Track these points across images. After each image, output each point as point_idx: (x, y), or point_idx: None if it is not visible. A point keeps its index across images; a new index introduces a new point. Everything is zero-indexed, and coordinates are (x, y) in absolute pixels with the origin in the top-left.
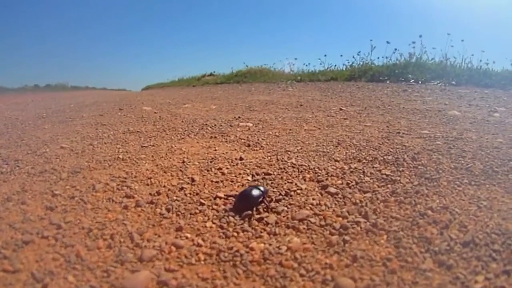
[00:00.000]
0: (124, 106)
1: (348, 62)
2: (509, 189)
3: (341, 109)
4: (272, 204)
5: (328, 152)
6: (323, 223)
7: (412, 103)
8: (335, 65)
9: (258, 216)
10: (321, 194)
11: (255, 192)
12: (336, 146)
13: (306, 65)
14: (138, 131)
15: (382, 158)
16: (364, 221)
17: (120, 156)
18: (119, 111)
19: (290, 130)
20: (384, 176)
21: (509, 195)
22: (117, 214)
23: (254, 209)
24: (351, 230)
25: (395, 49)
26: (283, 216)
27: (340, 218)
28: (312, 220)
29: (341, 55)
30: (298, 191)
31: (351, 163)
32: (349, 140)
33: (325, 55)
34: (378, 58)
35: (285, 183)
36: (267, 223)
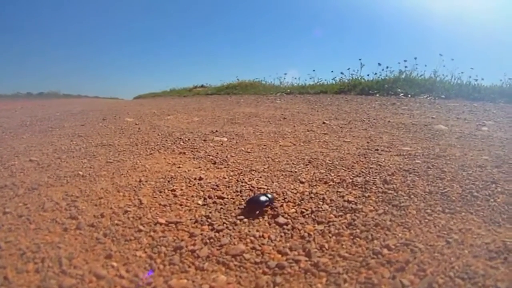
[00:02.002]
0: (108, 116)
1: (338, 78)
2: (488, 218)
3: (324, 123)
4: (212, 234)
5: (295, 172)
6: (258, 260)
7: (399, 117)
8: (325, 80)
9: (192, 247)
10: (269, 224)
11: (263, 198)
12: (306, 165)
13: (296, 79)
14: (110, 144)
15: (350, 180)
16: (306, 259)
17: (81, 173)
18: (102, 121)
19: (264, 146)
20: (346, 203)
21: (487, 225)
22: (55, 237)
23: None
24: (287, 270)
25: (386, 67)
26: (217, 250)
27: (280, 255)
28: (247, 256)
29: (332, 71)
30: (245, 220)
31: (315, 185)
32: (322, 158)
33: (314, 70)
34: (368, 75)
35: (235, 209)
36: (198, 256)
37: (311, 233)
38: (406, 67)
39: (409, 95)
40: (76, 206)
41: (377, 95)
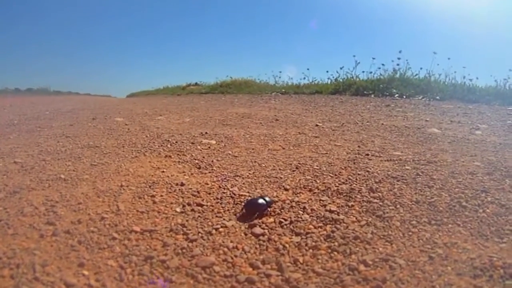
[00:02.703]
0: (98, 116)
1: (333, 77)
2: (475, 231)
3: (317, 125)
4: (185, 244)
5: (280, 178)
6: (228, 273)
7: (392, 119)
8: (320, 79)
9: (163, 257)
10: (245, 235)
11: (261, 201)
12: (293, 171)
13: (291, 78)
14: (97, 146)
15: (336, 188)
16: (278, 274)
17: (63, 176)
18: (91, 121)
19: (253, 149)
20: (327, 213)
21: (474, 239)
22: (31, 243)
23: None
24: (257, 285)
25: (382, 64)
26: (188, 261)
27: (251, 268)
28: (217, 268)
29: (327, 71)
30: (221, 230)
31: (299, 193)
32: (310, 163)
33: (308, 69)
34: (363, 72)
35: (213, 218)
36: (168, 267)
37: (287, 245)
38: (398, 64)
39: (404, 96)
40: (55, 212)
41: (372, 96)
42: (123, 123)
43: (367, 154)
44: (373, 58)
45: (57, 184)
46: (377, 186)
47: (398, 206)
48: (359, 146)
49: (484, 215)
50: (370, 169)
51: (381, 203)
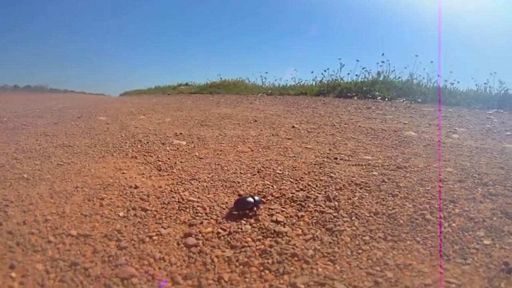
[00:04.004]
0: (84, 114)
1: (318, 78)
2: (436, 250)
3: (293, 127)
4: (114, 252)
5: (238, 183)
6: (145, 287)
7: (371, 122)
8: (306, 80)
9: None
10: (177, 245)
11: (250, 199)
12: (254, 175)
13: (277, 80)
14: (70, 145)
15: (291, 196)
16: None
17: (26, 175)
18: (76, 119)
19: (221, 151)
20: (272, 225)
21: (433, 259)
22: None
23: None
24: None
25: (364, 68)
26: (111, 270)
27: (170, 284)
28: (135, 281)
29: (312, 72)
30: (155, 238)
31: None
32: (274, 167)
33: (295, 70)
34: (348, 74)
35: (152, 224)
36: (89, 275)
37: (216, 259)
38: (381, 66)
39: (386, 99)
40: (6, 211)
41: (355, 98)
42: (105, 122)
43: (336, 158)
44: (357, 60)
45: (18, 184)
46: (336, 194)
47: (353, 217)
48: (330, 149)
49: (448, 230)
50: (335, 174)
51: (335, 214)
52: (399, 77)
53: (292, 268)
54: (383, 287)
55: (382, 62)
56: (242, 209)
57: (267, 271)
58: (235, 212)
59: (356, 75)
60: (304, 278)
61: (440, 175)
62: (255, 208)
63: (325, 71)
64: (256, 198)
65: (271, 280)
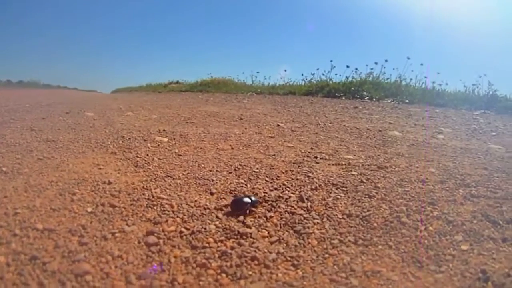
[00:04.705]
0: (73, 110)
1: (307, 78)
2: (409, 256)
3: (278, 125)
4: (74, 247)
5: (212, 180)
6: (97, 285)
7: (356, 121)
8: (295, 80)
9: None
10: (138, 243)
11: (246, 199)
12: (230, 173)
13: (267, 78)
14: (54, 140)
15: (263, 195)
16: None
17: (5, 169)
18: (64, 115)
19: (201, 148)
20: (237, 225)
21: (405, 266)
22: None
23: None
24: None
25: (356, 69)
26: (68, 266)
27: (122, 283)
28: (88, 278)
29: (302, 74)
30: (118, 235)
31: (222, 198)
32: (252, 165)
33: (285, 70)
34: (336, 74)
35: (117, 221)
36: (45, 270)
37: (174, 260)
38: (372, 69)
39: (374, 99)
40: None
41: (343, 98)
42: (92, 118)
43: (316, 157)
44: (348, 66)
45: None
46: (311, 194)
47: (325, 219)
48: (312, 148)
49: (425, 234)
50: (312, 173)
51: (306, 215)
52: (387, 78)
53: (250, 273)
54: None
55: (376, 63)
56: (239, 209)
57: (224, 275)
58: (231, 213)
59: (347, 77)
60: (260, 284)
61: (421, 176)
62: (252, 208)
63: (317, 69)
64: (253, 198)
65: (226, 284)
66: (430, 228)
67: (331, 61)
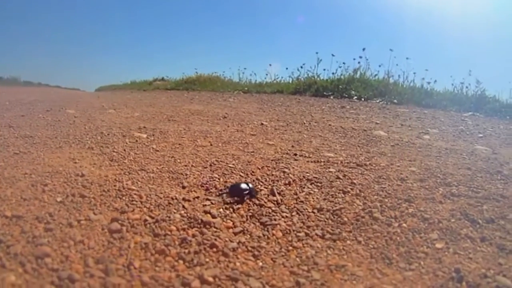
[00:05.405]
0: (54, 108)
1: (294, 75)
2: (378, 252)
3: (262, 124)
4: (39, 233)
5: (186, 175)
6: (56, 267)
7: (342, 121)
8: (282, 77)
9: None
10: (102, 230)
11: (243, 186)
12: (205, 168)
13: (253, 75)
14: (32, 136)
15: None
16: (101, 276)
17: None
18: (44, 112)
19: (179, 144)
20: (202, 215)
21: (373, 262)
22: None
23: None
24: (75, 285)
25: (343, 63)
26: (30, 249)
27: (80, 266)
28: (48, 260)
29: (287, 68)
30: (83, 222)
31: (192, 191)
32: (229, 161)
33: (270, 65)
34: (324, 70)
35: (85, 210)
36: (9, 253)
37: (134, 246)
38: (359, 62)
39: (362, 98)
40: None
41: (332, 97)
42: (73, 115)
43: (296, 154)
44: (333, 55)
45: None
46: (283, 189)
47: (294, 213)
48: (292, 146)
49: (397, 230)
50: (289, 169)
51: (274, 208)
52: (375, 75)
53: (208, 260)
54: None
55: (360, 57)
56: (237, 195)
57: (181, 261)
58: (229, 199)
59: (333, 73)
60: (215, 271)
61: (401, 174)
62: (249, 195)
63: (301, 67)
64: (250, 185)
65: (182, 270)
66: (404, 225)
67: (317, 53)
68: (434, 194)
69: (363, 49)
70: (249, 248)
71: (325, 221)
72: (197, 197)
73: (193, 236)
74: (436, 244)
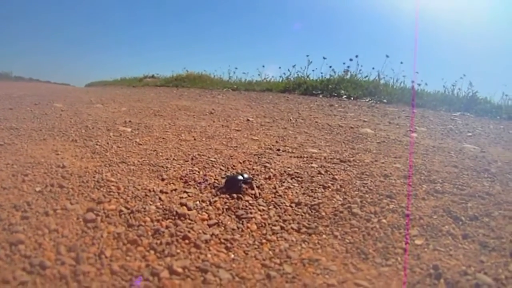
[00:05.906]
0: (42, 102)
1: (285, 75)
2: (355, 247)
3: (248, 120)
4: (15, 221)
5: (166, 167)
6: (28, 254)
7: (330, 118)
8: (272, 76)
9: None
10: (77, 219)
11: (239, 177)
12: (185, 161)
13: (245, 74)
14: (17, 128)
15: (213, 181)
16: (72, 264)
17: None
18: (32, 106)
19: (163, 139)
20: (177, 207)
21: (348, 257)
22: None
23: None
24: (46, 271)
25: (331, 67)
26: (5, 236)
27: (52, 254)
28: (21, 247)
29: (280, 67)
30: (59, 211)
31: (171, 184)
32: (210, 155)
33: (263, 66)
34: (313, 70)
35: (62, 200)
36: None
37: (107, 235)
38: (349, 66)
39: (352, 98)
40: None
41: (321, 96)
42: (60, 109)
43: (279, 149)
44: (324, 58)
45: None
46: (263, 183)
47: (271, 206)
48: (277, 141)
49: (376, 226)
50: (270, 164)
51: (252, 202)
52: (366, 76)
53: (179, 251)
54: (275, 282)
55: (350, 60)
56: (233, 187)
57: (152, 251)
58: (225, 191)
59: (321, 73)
60: (185, 262)
61: (385, 170)
62: (247, 184)
63: (293, 67)
64: (245, 175)
65: (152, 260)
66: (384, 220)
67: (308, 55)
68: (417, 191)
69: (356, 56)
70: (222, 240)
71: (302, 215)
72: (175, 190)
73: (167, 227)
74: (415, 240)
